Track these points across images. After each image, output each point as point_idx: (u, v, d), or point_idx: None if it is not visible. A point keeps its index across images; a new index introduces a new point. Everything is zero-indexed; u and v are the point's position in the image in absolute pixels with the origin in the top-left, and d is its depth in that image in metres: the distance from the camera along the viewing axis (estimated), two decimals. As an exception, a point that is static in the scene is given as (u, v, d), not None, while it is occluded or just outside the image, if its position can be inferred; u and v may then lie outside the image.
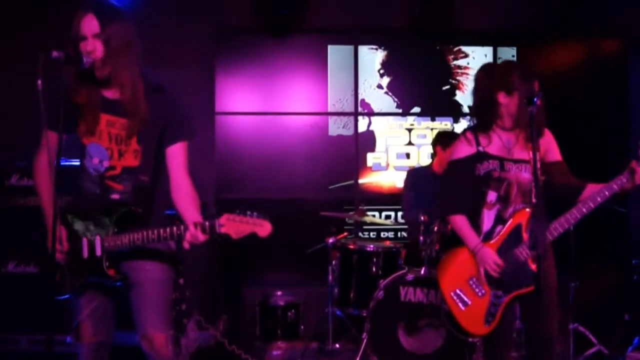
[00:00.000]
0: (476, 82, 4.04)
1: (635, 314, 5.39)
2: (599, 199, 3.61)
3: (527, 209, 3.79)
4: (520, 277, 3.80)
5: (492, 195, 3.90)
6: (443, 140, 6.14)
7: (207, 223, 3.17)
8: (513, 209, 3.85)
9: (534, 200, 3.67)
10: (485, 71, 4.04)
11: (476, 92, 4.03)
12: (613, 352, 5.63)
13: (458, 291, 4.01)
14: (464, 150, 4.01)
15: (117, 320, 3.67)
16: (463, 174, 3.99)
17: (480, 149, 3.93)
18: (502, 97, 3.86)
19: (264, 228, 3.09)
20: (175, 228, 3.21)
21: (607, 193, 3.61)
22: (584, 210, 3.63)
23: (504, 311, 3.86)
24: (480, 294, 3.92)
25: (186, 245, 3.21)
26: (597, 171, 3.85)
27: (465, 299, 3.98)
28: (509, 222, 3.85)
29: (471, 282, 3.96)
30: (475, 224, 3.96)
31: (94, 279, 3.47)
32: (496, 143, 3.93)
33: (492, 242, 3.90)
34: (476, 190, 3.94)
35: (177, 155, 3.53)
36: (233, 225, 3.07)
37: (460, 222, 3.99)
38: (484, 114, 3.93)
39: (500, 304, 3.85)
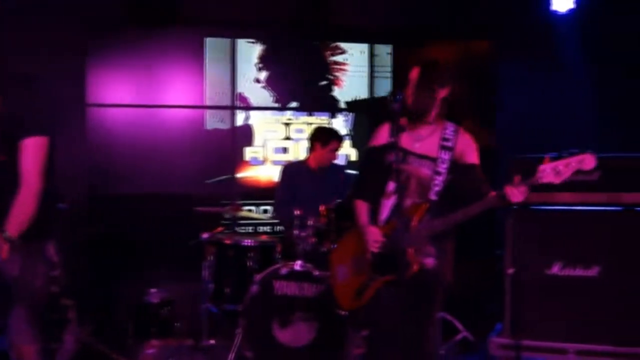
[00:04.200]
0: None
1: (499, 301, 5.67)
2: (472, 212, 3.79)
3: (424, 204, 3.91)
4: (394, 265, 3.88)
5: (390, 185, 3.99)
6: (322, 136, 6.22)
7: None
8: (412, 202, 3.95)
9: (432, 196, 3.90)
10: None
11: None
12: (478, 339, 5.91)
13: (343, 265, 4.18)
14: (378, 139, 4.12)
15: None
16: (373, 163, 4.11)
17: (393, 139, 3.95)
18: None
19: None
20: None
21: (488, 204, 3.77)
22: (470, 213, 3.80)
23: (375, 295, 3.97)
24: (358, 271, 4.06)
25: None
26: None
27: (346, 273, 4.15)
28: (402, 213, 3.97)
29: (354, 259, 4.10)
30: (375, 211, 4.07)
31: None
32: (406, 136, 4.01)
33: (381, 226, 4.01)
34: (381, 180, 4.05)
35: (21, 152, 3.52)
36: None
37: (358, 207, 4.14)
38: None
39: (370, 286, 3.97)
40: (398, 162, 3.69)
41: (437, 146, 3.97)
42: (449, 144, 3.96)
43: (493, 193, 3.79)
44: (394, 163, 3.84)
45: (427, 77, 3.97)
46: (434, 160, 3.95)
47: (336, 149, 6.18)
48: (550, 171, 3.63)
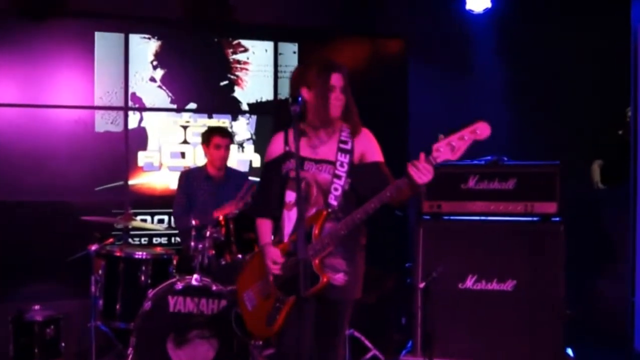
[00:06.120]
0: (290, 82, 4.13)
1: (410, 316, 5.70)
2: (372, 206, 3.74)
3: (324, 211, 3.88)
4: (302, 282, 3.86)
5: (290, 196, 3.98)
6: (203, 136, 6.27)
7: None
8: (316, 210, 3.93)
9: (332, 202, 3.88)
10: (297, 69, 4.15)
11: (289, 90, 4.11)
12: (389, 357, 5.95)
13: (250, 291, 4.11)
14: (273, 150, 4.11)
15: None
16: (271, 176, 4.09)
17: (287, 148, 4.01)
18: (305, 93, 3.93)
19: None
20: None
21: (388, 194, 3.71)
22: (370, 209, 3.74)
23: (286, 316, 3.92)
24: (266, 295, 4.01)
25: None
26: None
27: (254, 299, 4.09)
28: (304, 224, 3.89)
29: (260, 283, 4.04)
30: (279, 225, 4.05)
31: None
32: (302, 142, 3.98)
33: (283, 242, 3.99)
34: (280, 193, 4.03)
35: None
36: None
37: (259, 224, 4.13)
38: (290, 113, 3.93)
39: (281, 308, 3.93)
40: (298, 171, 3.63)
41: (335, 149, 3.98)
42: (347, 146, 3.97)
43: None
44: (293, 171, 3.83)
45: (348, 82, 3.98)
46: (332, 163, 3.95)
47: (220, 145, 6.14)
48: (445, 147, 3.56)
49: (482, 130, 3.55)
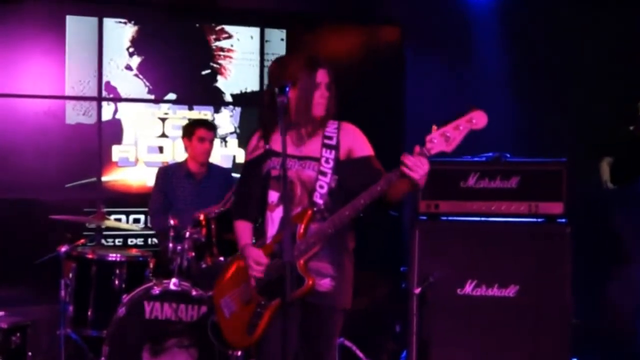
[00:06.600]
0: (269, 75, 4.15)
1: (405, 324, 5.69)
2: (373, 195, 3.72)
3: (309, 210, 3.87)
4: (284, 285, 3.85)
5: (273, 196, 3.97)
6: (185, 129, 6.24)
7: None
8: (302, 209, 3.90)
9: (317, 200, 3.87)
10: (277, 62, 4.16)
11: (268, 86, 4.12)
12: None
13: (227, 297, 4.08)
14: (253, 149, 4.11)
15: None
16: (251, 176, 4.09)
17: (268, 146, 4.00)
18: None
19: None
20: None
21: (379, 188, 3.70)
22: (359, 205, 3.74)
23: (268, 323, 3.90)
24: (246, 301, 3.98)
25: None
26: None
27: (232, 305, 4.05)
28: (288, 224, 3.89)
29: (240, 288, 4.01)
30: (262, 228, 4.04)
31: None
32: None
33: (266, 244, 3.97)
34: (261, 193, 4.03)
35: None
36: None
37: (237, 227, 4.11)
38: (271, 108, 3.90)
39: (262, 314, 3.90)
40: (283, 168, 3.63)
41: (319, 145, 3.97)
42: (332, 142, 3.96)
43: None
44: (275, 170, 3.90)
45: (333, 79, 3.99)
46: (317, 160, 3.95)
47: (204, 138, 6.13)
48: (439, 138, 3.53)
49: (478, 119, 3.54)
